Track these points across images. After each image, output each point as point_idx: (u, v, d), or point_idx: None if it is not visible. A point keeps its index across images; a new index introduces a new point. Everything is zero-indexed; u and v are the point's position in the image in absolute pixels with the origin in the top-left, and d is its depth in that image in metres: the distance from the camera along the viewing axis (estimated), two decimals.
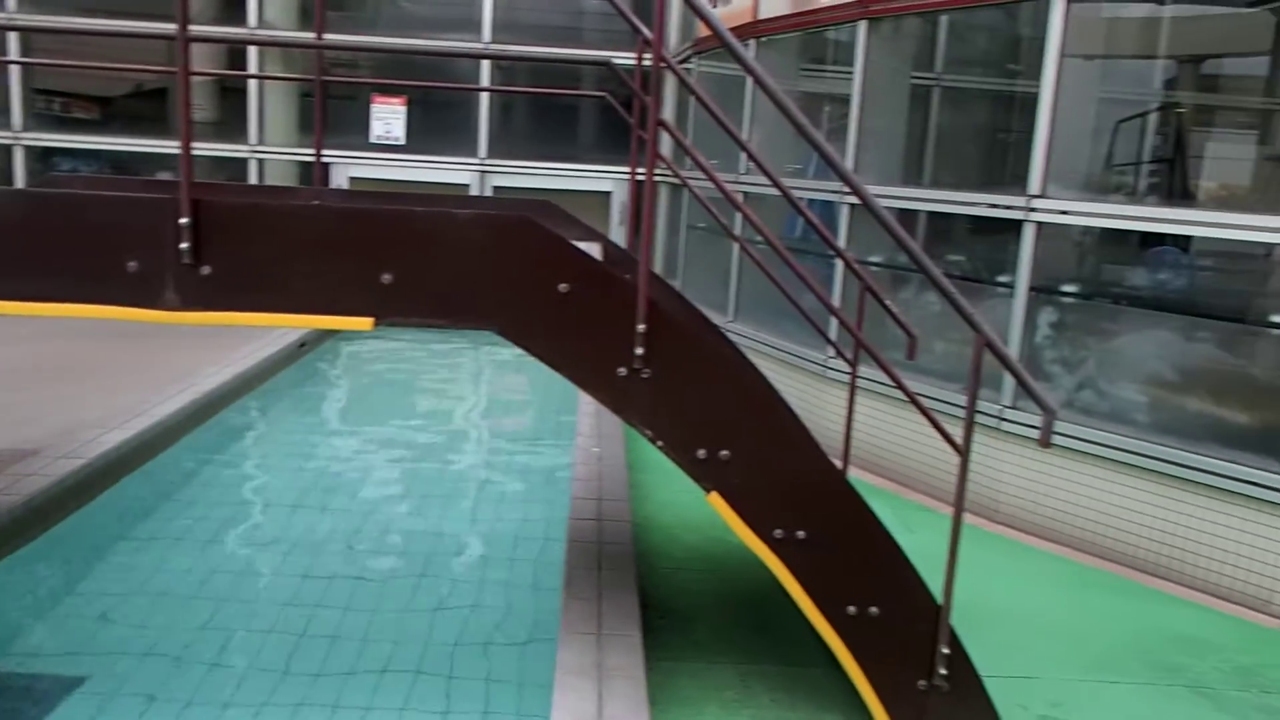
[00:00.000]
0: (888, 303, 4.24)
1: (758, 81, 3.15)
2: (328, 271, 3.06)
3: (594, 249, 4.27)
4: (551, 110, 13.39)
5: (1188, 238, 6.07)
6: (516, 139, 12.67)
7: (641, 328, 3.11)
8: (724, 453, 3.23)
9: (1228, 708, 3.81)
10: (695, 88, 3.81)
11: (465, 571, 4.67)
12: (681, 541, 5.08)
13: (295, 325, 4.60)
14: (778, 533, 3.27)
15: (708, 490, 3.25)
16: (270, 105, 11.76)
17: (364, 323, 3.11)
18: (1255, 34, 9.61)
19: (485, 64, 11.69)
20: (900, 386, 3.57)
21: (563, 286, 3.10)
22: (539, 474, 6.17)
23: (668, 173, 10.44)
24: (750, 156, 4.10)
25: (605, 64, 4.25)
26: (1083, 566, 5.20)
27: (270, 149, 11.78)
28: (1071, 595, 4.86)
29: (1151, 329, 5.71)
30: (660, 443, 3.23)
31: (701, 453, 3.23)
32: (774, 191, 3.93)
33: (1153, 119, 9.09)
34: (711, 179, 3.67)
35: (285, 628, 3.98)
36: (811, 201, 7.26)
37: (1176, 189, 8.05)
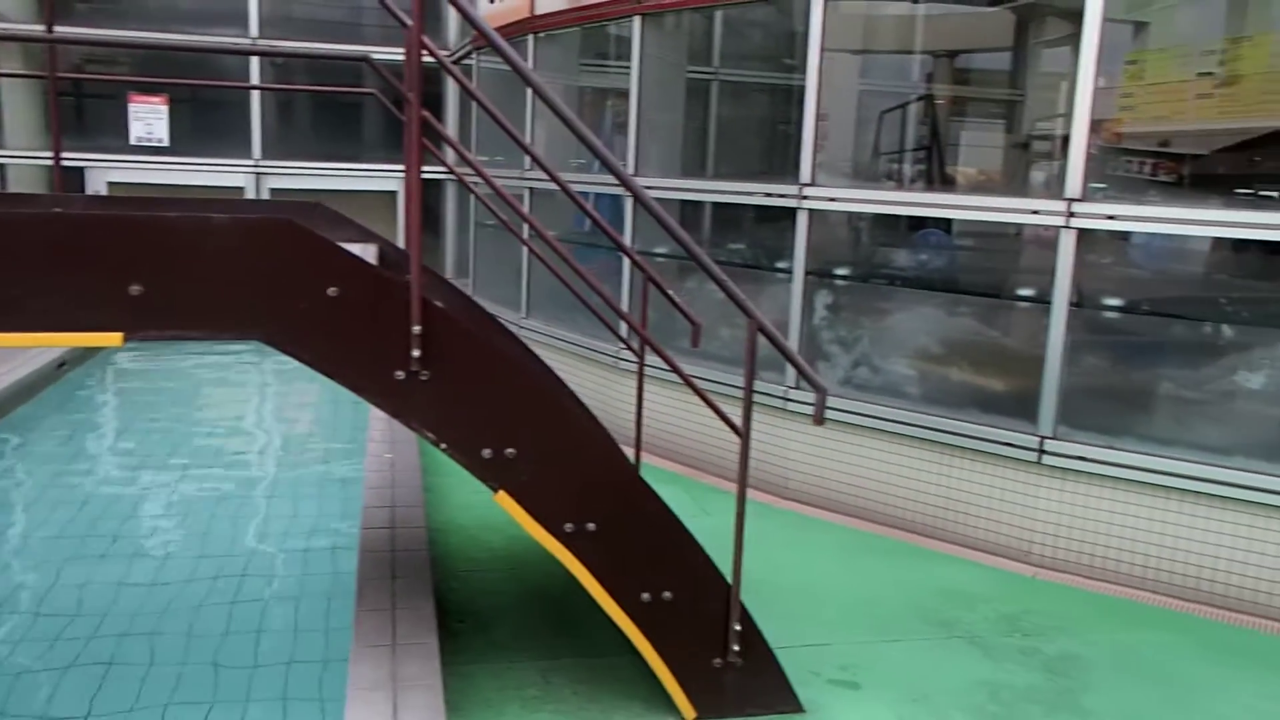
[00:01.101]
0: (670, 292, 4.33)
1: (523, 77, 3.13)
2: (66, 285, 2.81)
3: (368, 251, 4.14)
4: (333, 108, 12.93)
5: (949, 220, 6.52)
6: (295, 139, 12.17)
7: (417, 329, 3.03)
8: (510, 451, 3.20)
9: (994, 654, 4.11)
10: (465, 81, 3.74)
11: (255, 591, 4.44)
12: (482, 543, 5.01)
13: (33, 344, 4.23)
14: (568, 526, 3.28)
15: (495, 489, 3.21)
16: (12, 105, 10.79)
17: (112, 338, 2.89)
18: (999, 31, 10.41)
19: (255, 61, 11.16)
20: (679, 374, 3.65)
21: (331, 290, 2.98)
22: (330, 484, 5.94)
23: (457, 169, 10.31)
24: (527, 152, 4.08)
25: (364, 59, 4.11)
26: (866, 534, 5.48)
27: (10, 153, 10.81)
28: (856, 562, 5.12)
29: (919, 306, 6.08)
30: (444, 445, 3.16)
31: (487, 452, 3.19)
32: (584, 186, 3.96)
33: (913, 110, 9.70)
34: (481, 175, 3.63)
35: (52, 663, 3.67)
36: (600, 195, 7.33)
37: (935, 175, 8.63)
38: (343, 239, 3.82)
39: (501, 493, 3.21)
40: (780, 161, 6.22)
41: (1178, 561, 4.73)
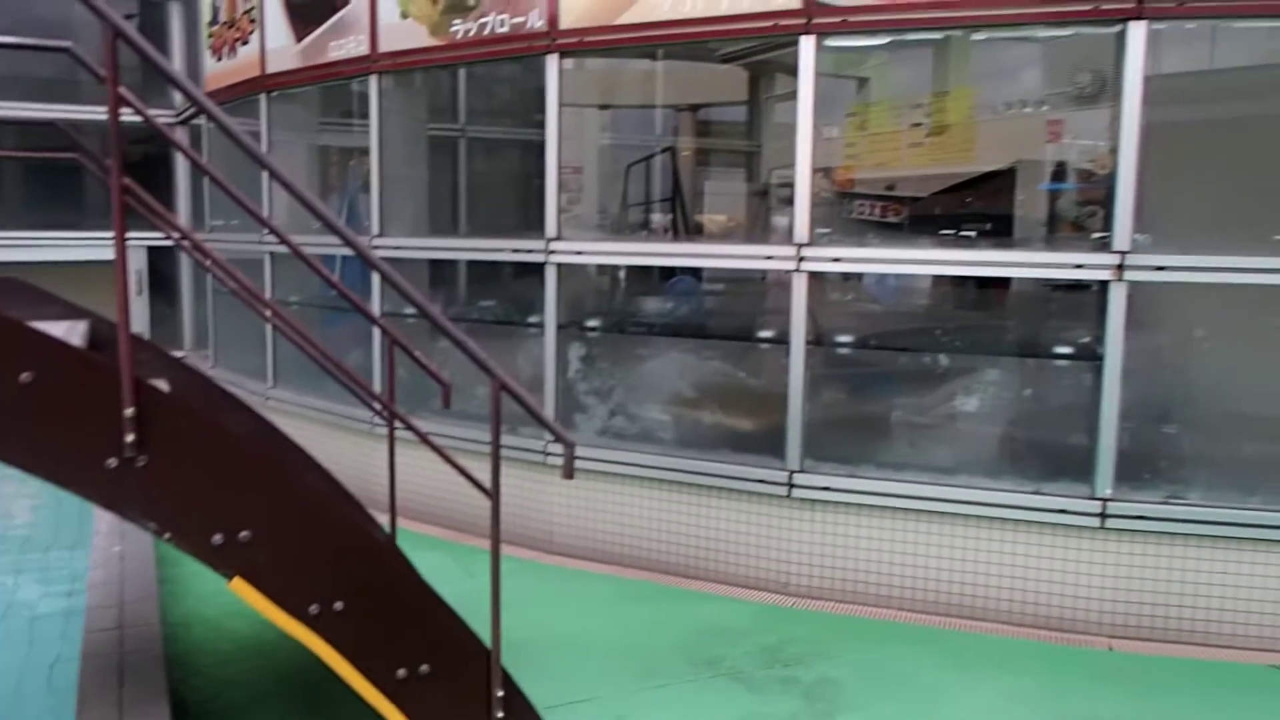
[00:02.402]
0: (417, 354, 4.22)
1: (233, 139, 2.98)
2: None
3: (76, 329, 3.80)
4: (50, 173, 11.94)
5: (699, 267, 6.77)
6: (6, 207, 11.14)
7: (130, 411, 2.80)
8: (244, 533, 2.99)
9: (757, 687, 4.22)
10: (175, 139, 3.53)
11: None
12: (228, 632, 4.66)
13: None
14: (314, 608, 3.10)
15: (229, 577, 3.00)
16: None
17: None
18: (734, 85, 10.97)
19: None
20: (422, 438, 3.56)
21: (24, 376, 2.70)
22: (52, 584, 5.37)
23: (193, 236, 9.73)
24: (253, 215, 3.89)
25: (51, 124, 3.80)
26: (632, 581, 5.53)
27: None
28: (623, 610, 5.14)
29: (671, 352, 6.25)
30: (167, 535, 2.92)
31: (218, 538, 2.97)
32: (321, 248, 3.79)
33: (658, 162, 10.05)
34: (189, 241, 3.40)
35: None
36: (346, 258, 7.10)
37: (680, 225, 8.97)
38: (43, 316, 3.50)
39: (237, 579, 3.00)
40: (528, 217, 6.27)
41: (919, 578, 5.05)
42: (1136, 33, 4.49)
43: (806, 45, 4.95)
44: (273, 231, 3.71)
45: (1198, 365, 5.54)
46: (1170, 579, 4.71)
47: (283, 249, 7.29)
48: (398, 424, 4.17)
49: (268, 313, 3.58)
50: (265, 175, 7.42)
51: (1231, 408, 5.30)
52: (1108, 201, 4.70)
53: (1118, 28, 4.53)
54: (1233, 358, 5.39)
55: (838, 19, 4.91)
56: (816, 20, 4.92)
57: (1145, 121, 4.57)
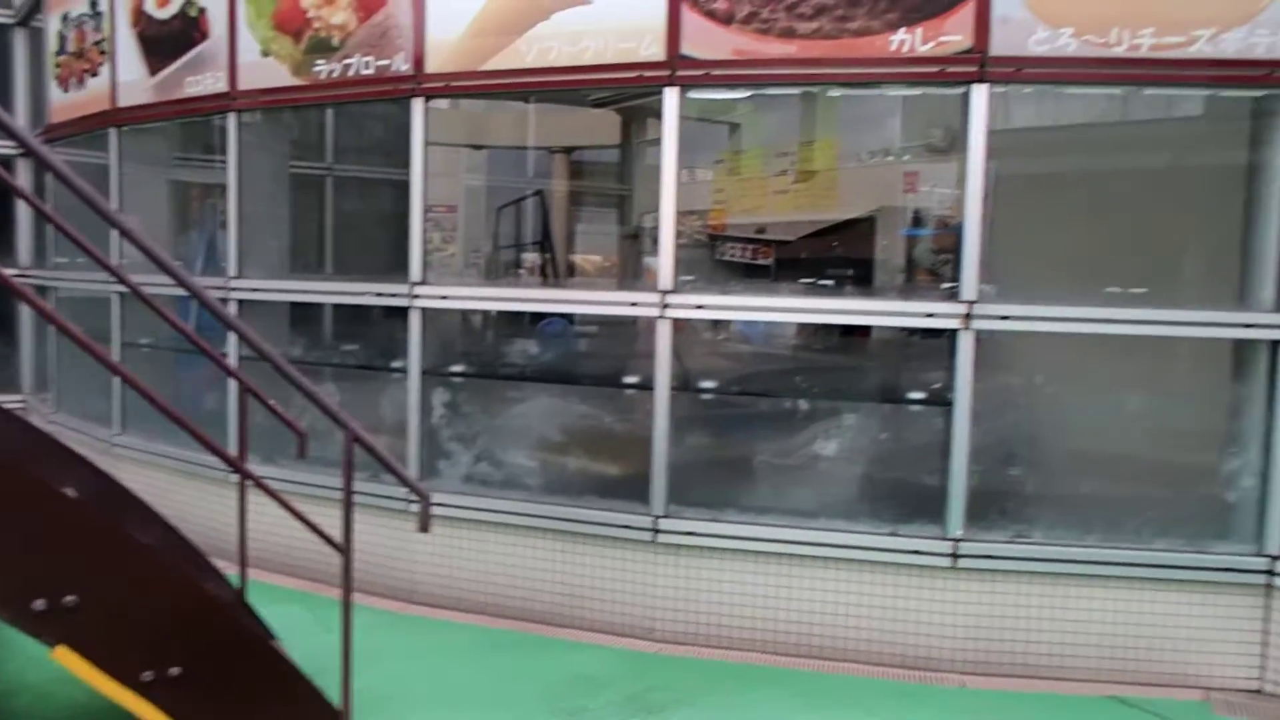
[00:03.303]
0: (271, 403, 4.09)
1: (59, 176, 2.84)
2: None
3: None
4: None
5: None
6: None
7: None
8: (70, 598, 2.82)
9: None
10: (7, 176, 3.34)
11: None
12: (61, 700, 4.36)
13: None
14: (147, 675, 2.94)
15: (52, 645, 2.82)
16: None
17: None
18: (608, 129, 11.10)
19: None
20: (272, 495, 3.43)
21: None
22: None
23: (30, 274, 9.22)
24: (88, 253, 3.70)
25: None
26: (498, 631, 5.43)
27: None
28: (488, 661, 5.04)
29: (539, 397, 6.22)
30: None
31: (40, 603, 2.79)
32: (172, 289, 3.62)
33: (530, 205, 10.06)
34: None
35: None
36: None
37: (551, 269, 8.99)
38: None
39: (61, 648, 2.82)
40: (399, 256, 6.18)
41: (781, 620, 5.11)
42: (979, 94, 4.72)
43: (670, 96, 5.04)
44: (110, 271, 3.54)
45: (1041, 408, 5.83)
46: (1018, 615, 4.90)
47: (150, 287, 6.97)
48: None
49: (116, 356, 3.38)
50: (115, 207, 7.15)
51: (1071, 448, 5.58)
52: (957, 252, 4.90)
53: (962, 89, 4.76)
54: (1072, 401, 5.69)
55: (700, 72, 5.01)
56: (680, 73, 5.01)
57: (988, 177, 4.80)
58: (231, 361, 5.81)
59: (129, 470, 6.94)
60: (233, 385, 6.30)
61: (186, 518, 6.44)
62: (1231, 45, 4.54)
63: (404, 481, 3.44)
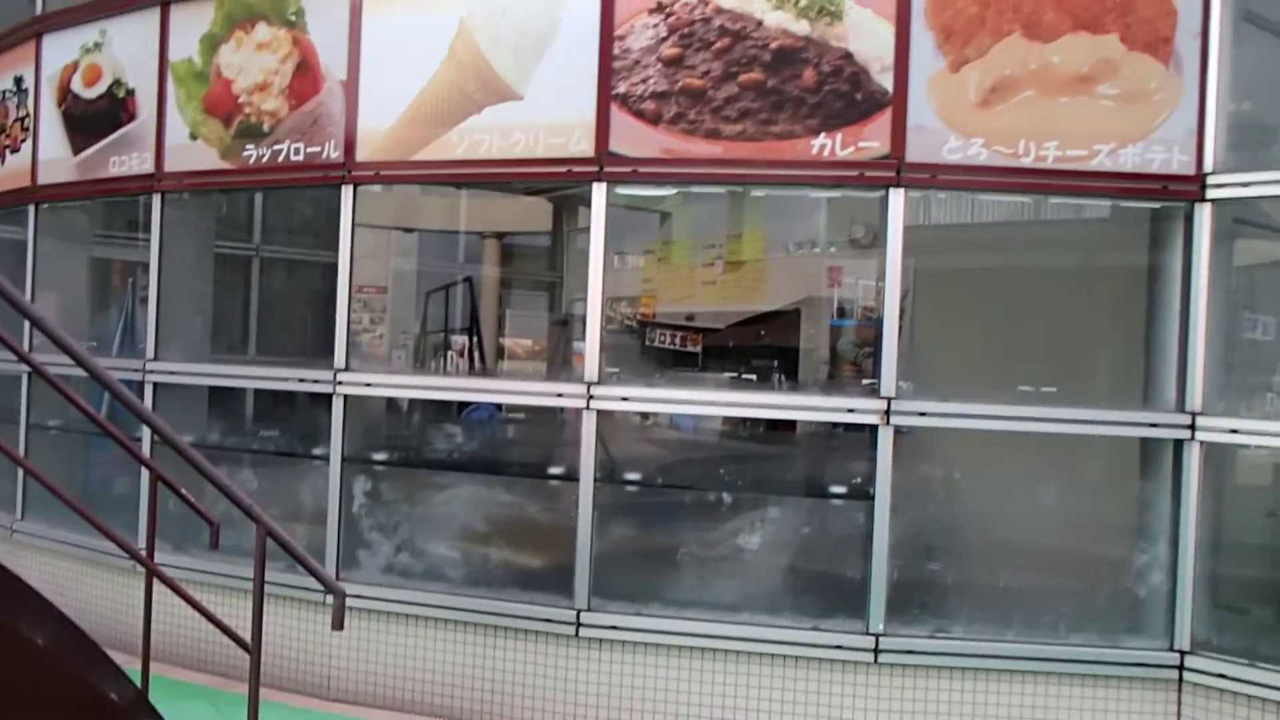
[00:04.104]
0: (183, 492, 3.99)
1: None
2: None
3: None
4: None
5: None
6: None
7: None
8: None
9: None
10: None
11: None
12: None
13: None
14: None
15: None
16: None
17: None
18: (540, 216, 11.21)
19: None
20: (179, 592, 3.32)
21: None
22: None
23: None
24: None
25: None
26: None
27: None
28: None
29: (463, 486, 6.13)
30: None
31: None
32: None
33: (459, 290, 10.05)
34: None
35: None
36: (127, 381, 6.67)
37: (479, 354, 8.96)
38: None
39: None
40: (326, 338, 6.12)
41: (705, 716, 5.05)
42: (896, 198, 4.90)
43: (598, 191, 5.14)
44: (12, 350, 3.45)
45: (960, 501, 5.93)
46: (939, 711, 4.91)
47: (57, 368, 6.76)
48: (159, 563, 3.89)
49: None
50: (29, 285, 6.99)
51: (989, 541, 5.67)
52: (876, 349, 5.02)
53: (880, 193, 4.94)
54: (989, 494, 5.81)
55: (628, 169, 5.13)
56: (608, 169, 5.12)
57: (907, 275, 4.96)
58: (145, 446, 5.66)
59: (30, 559, 6.67)
60: (145, 471, 6.12)
61: (91, 609, 6.20)
62: (1130, 160, 4.80)
63: (318, 578, 3.36)
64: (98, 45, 6.60)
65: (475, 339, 8.82)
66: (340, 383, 5.60)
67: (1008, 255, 6.58)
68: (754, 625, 5.06)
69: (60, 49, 6.84)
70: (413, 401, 7.01)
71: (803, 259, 9.88)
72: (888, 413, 4.88)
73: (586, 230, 5.31)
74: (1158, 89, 4.83)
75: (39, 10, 7.04)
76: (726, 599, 5.34)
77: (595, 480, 5.19)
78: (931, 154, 4.87)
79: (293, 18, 5.77)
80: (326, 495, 5.66)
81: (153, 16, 6.27)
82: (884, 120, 4.89)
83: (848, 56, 4.92)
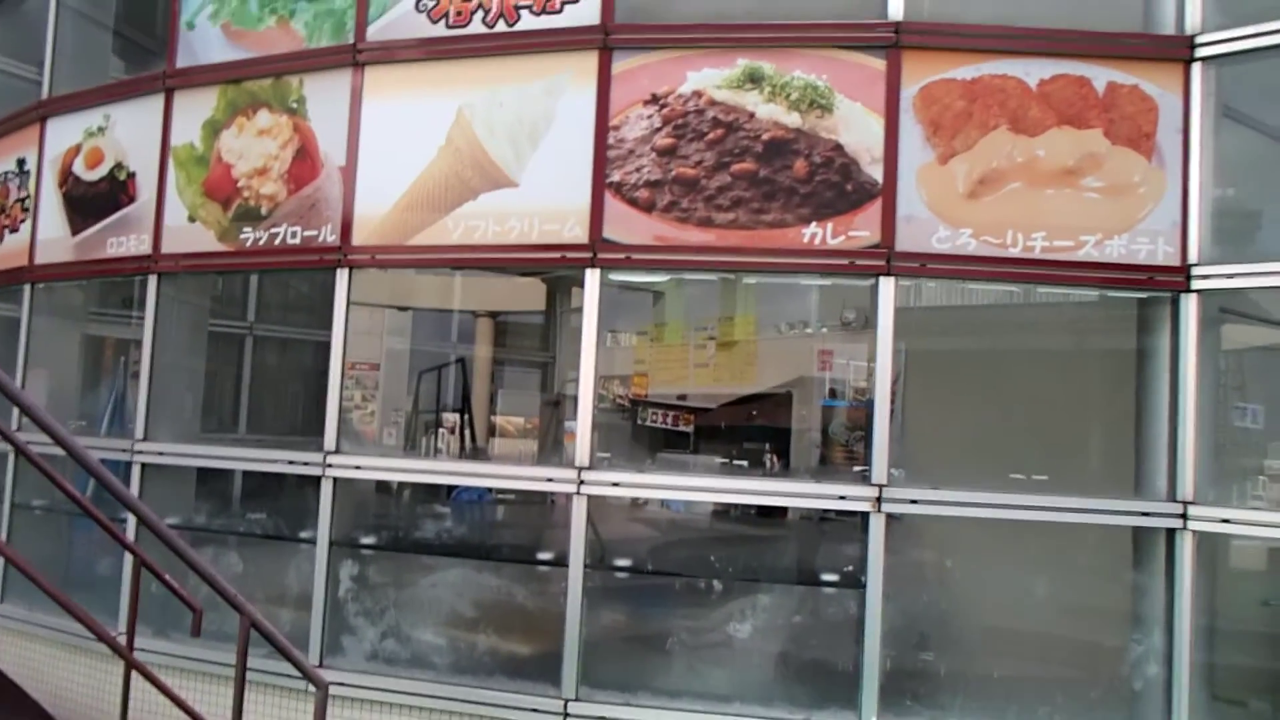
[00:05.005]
0: (166, 578, 3.94)
1: None
2: None
3: None
4: None
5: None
6: None
7: None
8: None
9: None
10: None
11: None
12: None
13: None
14: None
15: None
16: None
17: None
18: (532, 296, 11.30)
19: None
20: (159, 686, 3.26)
21: None
22: None
23: None
24: None
25: None
26: None
27: None
28: None
29: (452, 571, 6.06)
30: None
31: None
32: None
33: (451, 371, 10.06)
34: None
35: None
36: (104, 463, 6.63)
37: (471, 434, 8.91)
38: None
39: None
40: (311, 419, 6.10)
41: None
42: (886, 286, 4.96)
43: (592, 278, 5.19)
44: None
45: (953, 589, 5.87)
46: None
47: (42, 447, 6.72)
48: (138, 650, 3.83)
49: None
50: (20, 362, 6.98)
51: (983, 630, 5.61)
52: (868, 434, 5.02)
53: (870, 281, 5.00)
54: (982, 581, 5.76)
55: (621, 255, 5.18)
56: (602, 255, 5.18)
57: (898, 360, 5.00)
58: (129, 529, 5.60)
59: (8, 643, 6.55)
60: (128, 556, 6.06)
61: (70, 695, 6.08)
62: (1116, 251, 4.87)
63: (302, 671, 3.31)
64: (101, 129, 6.71)
65: (466, 417, 8.80)
66: (330, 465, 5.57)
67: (998, 337, 6.62)
68: (745, 716, 4.96)
69: (64, 132, 6.95)
70: (402, 482, 6.97)
71: (794, 340, 9.94)
72: (879, 500, 4.87)
73: (580, 310, 5.35)
74: (1141, 182, 4.93)
75: (45, 95, 7.16)
76: (717, 688, 5.26)
77: (585, 566, 5.14)
78: (921, 243, 4.94)
79: (294, 105, 5.89)
80: (312, 579, 5.59)
81: (156, 102, 6.39)
82: (874, 210, 4.97)
83: (838, 148, 5.03)
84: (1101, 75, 4.96)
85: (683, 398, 10.98)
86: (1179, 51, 4.96)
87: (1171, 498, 4.86)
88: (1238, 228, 5.22)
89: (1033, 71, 4.97)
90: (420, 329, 11.27)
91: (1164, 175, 4.92)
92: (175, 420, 6.49)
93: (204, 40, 6.28)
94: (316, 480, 5.65)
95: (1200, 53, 4.94)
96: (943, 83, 5.01)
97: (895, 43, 5.02)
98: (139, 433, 6.22)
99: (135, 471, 6.17)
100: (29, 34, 7.62)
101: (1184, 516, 4.80)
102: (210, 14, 6.28)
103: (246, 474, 7.28)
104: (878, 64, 5.04)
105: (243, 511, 6.76)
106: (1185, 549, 4.81)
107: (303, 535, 5.79)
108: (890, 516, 4.90)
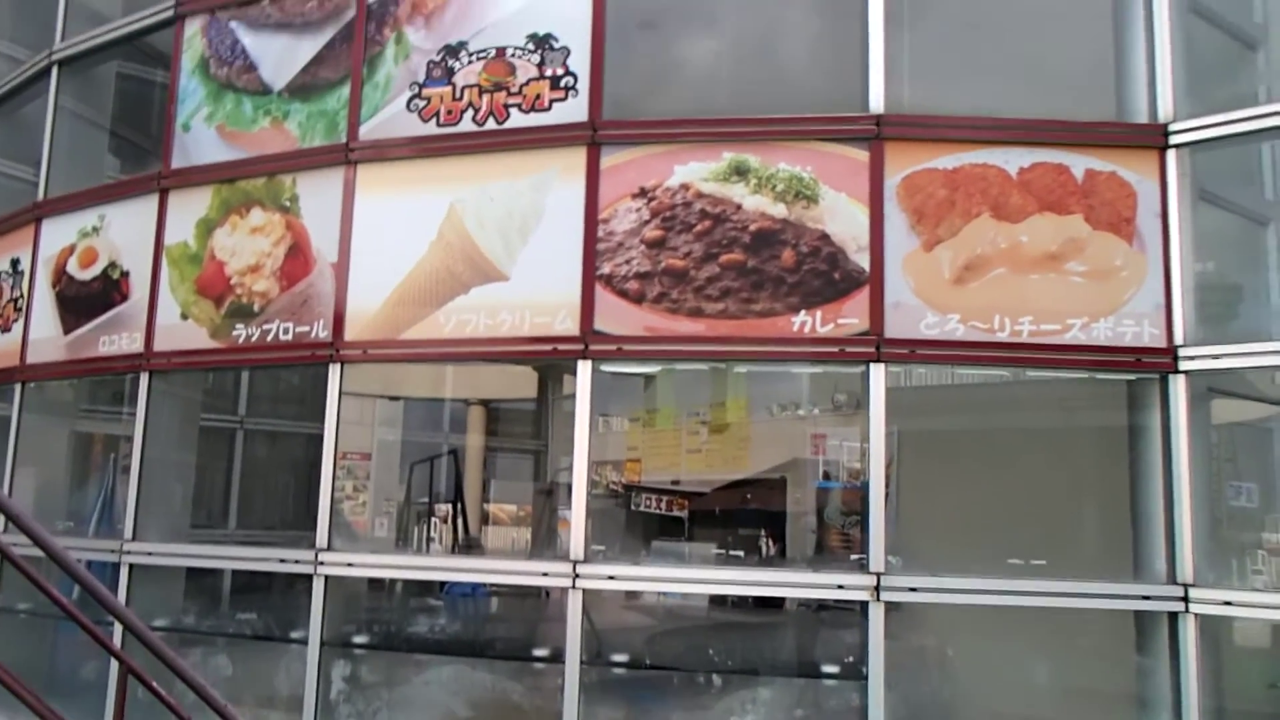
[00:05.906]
0: (154, 685, 3.86)
1: None
2: None
3: None
4: None
5: None
6: None
7: None
8: None
9: None
10: None
11: None
12: None
13: None
14: None
15: None
16: None
17: None
18: (524, 384, 11.29)
19: None
20: None
21: None
22: None
23: None
24: None
25: None
26: None
27: None
28: None
29: (443, 667, 5.95)
30: None
31: None
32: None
33: (443, 463, 10.00)
34: None
35: None
36: (91, 563, 6.53)
37: (464, 526, 8.83)
38: None
39: None
40: (302, 513, 6.05)
41: None
42: (877, 372, 4.98)
43: (583, 369, 5.20)
44: None
45: (955, 677, 5.78)
46: None
47: (25, 549, 6.62)
48: None
49: None
50: (9, 461, 6.93)
51: (987, 715, 5.50)
52: (864, 520, 4.99)
53: (861, 368, 5.02)
54: (985, 669, 5.66)
55: (613, 346, 5.21)
56: (593, 347, 5.20)
57: (891, 443, 4.98)
58: (115, 633, 5.49)
59: None
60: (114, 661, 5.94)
61: None
62: (1102, 334, 4.92)
63: None
64: (95, 229, 6.78)
65: (459, 508, 8.73)
66: (322, 563, 5.50)
67: (989, 415, 6.63)
68: None
69: (59, 232, 7.02)
70: (388, 583, 6.88)
71: (786, 423, 9.93)
72: (878, 589, 4.82)
73: (572, 397, 5.35)
74: (1124, 265, 5.00)
75: (41, 196, 7.24)
76: None
77: (581, 662, 5.05)
78: (909, 330, 4.98)
79: (287, 203, 5.96)
80: (304, 681, 5.47)
81: (151, 202, 6.47)
82: (862, 298, 5.02)
83: (825, 237, 5.10)
84: (1080, 163, 5.07)
85: (676, 482, 10.92)
86: (1154, 139, 5.08)
87: (1172, 580, 4.82)
88: (1221, 308, 5.29)
89: (1012, 160, 5.08)
90: (412, 418, 11.24)
91: (1145, 258, 4.99)
92: (165, 518, 6.42)
93: (198, 141, 6.39)
94: (308, 577, 5.57)
95: (1174, 140, 5.06)
96: (925, 172, 5.11)
97: (877, 134, 5.13)
98: (128, 532, 6.15)
99: (123, 572, 6.07)
100: (26, 135, 7.74)
101: (1185, 600, 4.76)
102: (205, 116, 6.40)
103: (236, 571, 7.19)
104: (861, 155, 5.14)
105: (232, 611, 6.64)
106: (1189, 632, 4.75)
107: (293, 635, 5.68)
108: (890, 605, 4.84)
